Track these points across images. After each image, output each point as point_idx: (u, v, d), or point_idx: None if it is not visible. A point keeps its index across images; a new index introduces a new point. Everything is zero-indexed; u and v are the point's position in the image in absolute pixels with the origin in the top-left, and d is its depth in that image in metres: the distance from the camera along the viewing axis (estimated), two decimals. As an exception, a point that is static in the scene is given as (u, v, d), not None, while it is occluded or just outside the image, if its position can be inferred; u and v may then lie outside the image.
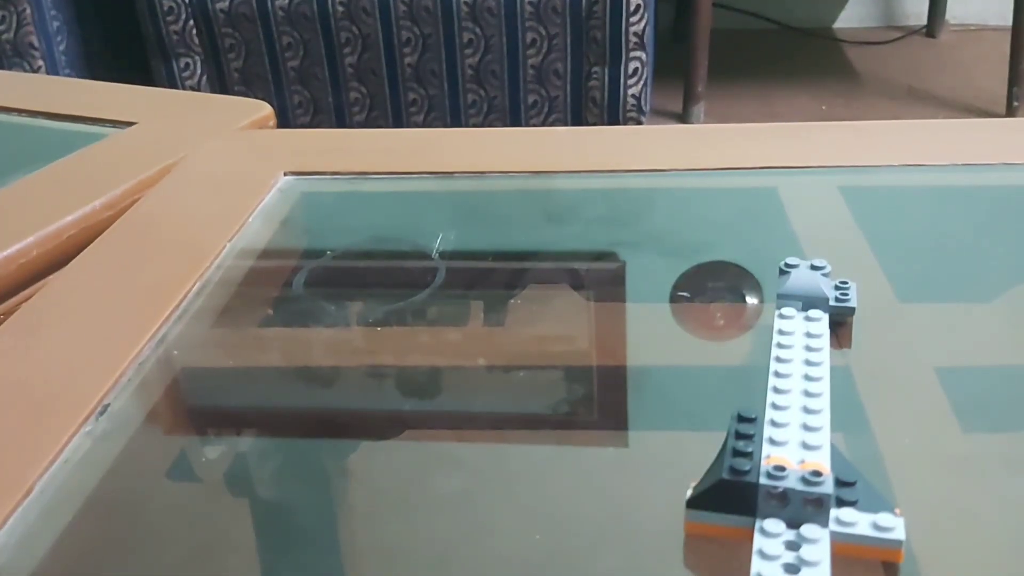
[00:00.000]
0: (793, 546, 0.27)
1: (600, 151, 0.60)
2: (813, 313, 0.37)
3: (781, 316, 0.37)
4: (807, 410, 0.31)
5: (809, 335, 0.36)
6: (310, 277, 0.49)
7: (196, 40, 1.46)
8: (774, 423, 0.31)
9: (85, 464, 0.35)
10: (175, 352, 0.42)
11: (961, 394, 0.37)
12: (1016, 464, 0.33)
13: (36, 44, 1.40)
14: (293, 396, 0.41)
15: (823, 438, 0.30)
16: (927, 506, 0.31)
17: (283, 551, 0.31)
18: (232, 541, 0.32)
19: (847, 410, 0.36)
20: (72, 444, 0.36)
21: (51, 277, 0.53)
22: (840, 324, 0.39)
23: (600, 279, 0.48)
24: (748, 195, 0.55)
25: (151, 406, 0.39)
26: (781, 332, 0.36)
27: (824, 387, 0.32)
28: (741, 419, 0.30)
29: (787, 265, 0.40)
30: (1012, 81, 1.76)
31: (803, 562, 0.26)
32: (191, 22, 1.45)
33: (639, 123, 1.46)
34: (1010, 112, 1.77)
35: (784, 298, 0.38)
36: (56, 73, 1.43)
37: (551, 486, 0.34)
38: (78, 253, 0.50)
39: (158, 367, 0.41)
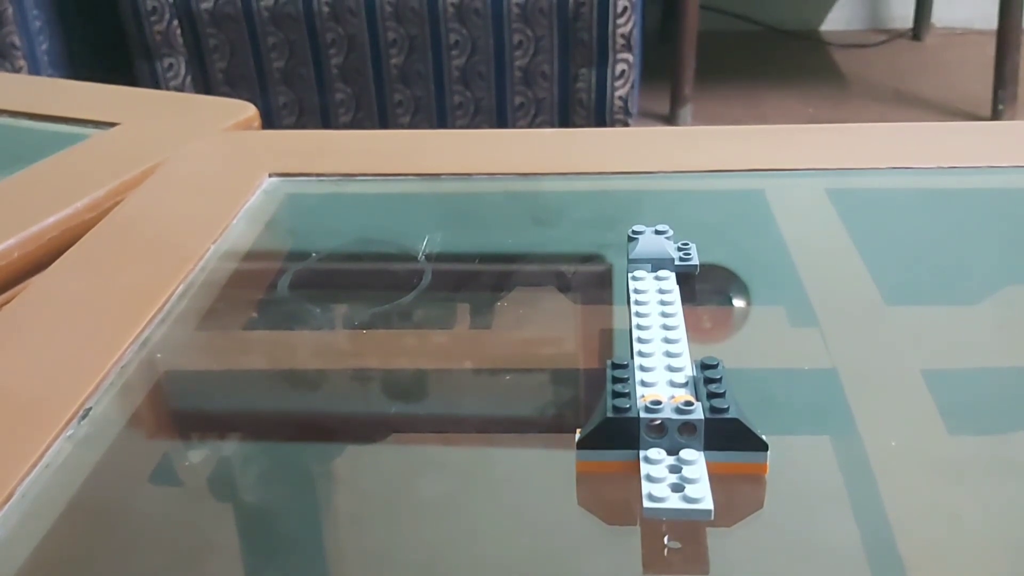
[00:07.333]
0: (675, 469, 0.30)
1: (587, 153, 0.60)
2: (662, 273, 0.41)
3: (634, 278, 0.41)
4: (669, 354, 0.35)
5: (661, 291, 0.40)
6: (295, 279, 0.49)
7: (180, 40, 1.46)
8: (643, 368, 0.34)
9: (66, 468, 0.35)
10: (158, 355, 0.41)
11: (948, 396, 0.37)
12: (1002, 466, 0.33)
13: (18, 44, 1.39)
14: (278, 400, 0.41)
15: (686, 376, 0.34)
16: (914, 508, 0.31)
17: (268, 556, 0.31)
18: (216, 546, 0.32)
19: (834, 412, 0.36)
20: (53, 448, 0.35)
21: (33, 279, 0.52)
22: (687, 280, 0.43)
23: (587, 281, 0.48)
24: (735, 197, 0.55)
25: (133, 410, 0.39)
26: (636, 291, 0.40)
27: (681, 334, 0.37)
28: (615, 366, 0.34)
29: (634, 232, 0.44)
30: (997, 84, 1.77)
31: (685, 480, 0.30)
32: (175, 22, 1.44)
33: (626, 125, 1.46)
34: (995, 115, 1.77)
35: (634, 262, 0.42)
36: (38, 73, 1.42)
37: (538, 489, 0.34)
38: (60, 255, 0.50)
39: (141, 370, 0.40)
